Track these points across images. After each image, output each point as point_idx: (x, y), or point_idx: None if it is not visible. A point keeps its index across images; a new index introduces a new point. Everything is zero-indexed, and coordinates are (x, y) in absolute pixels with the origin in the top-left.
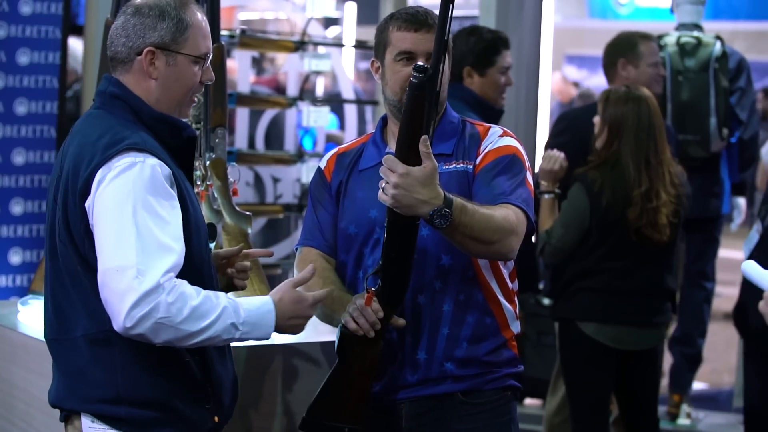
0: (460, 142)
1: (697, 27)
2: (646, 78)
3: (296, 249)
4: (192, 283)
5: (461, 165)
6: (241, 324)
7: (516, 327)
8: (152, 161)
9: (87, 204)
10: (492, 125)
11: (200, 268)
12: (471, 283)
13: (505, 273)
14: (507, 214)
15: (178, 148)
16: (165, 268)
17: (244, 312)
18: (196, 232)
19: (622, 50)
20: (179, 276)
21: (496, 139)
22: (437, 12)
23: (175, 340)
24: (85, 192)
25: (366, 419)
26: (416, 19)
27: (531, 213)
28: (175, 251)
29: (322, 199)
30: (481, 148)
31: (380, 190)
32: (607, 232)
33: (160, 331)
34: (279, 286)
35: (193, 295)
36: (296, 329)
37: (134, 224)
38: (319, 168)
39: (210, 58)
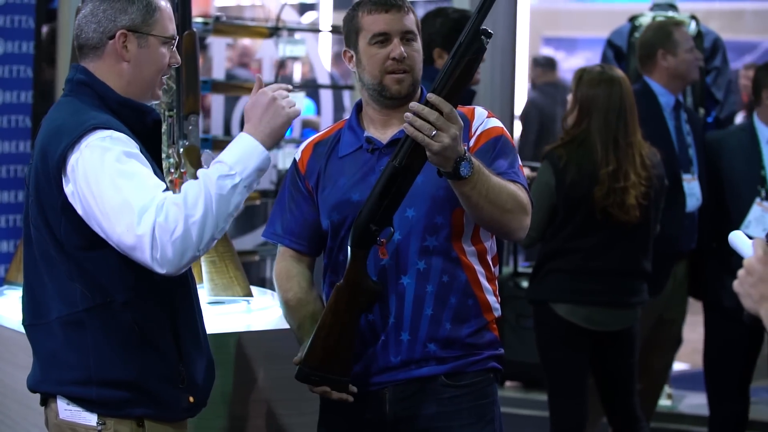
0: None
1: (672, 7)
2: (686, 65)
3: (266, 238)
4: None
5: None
6: (230, 169)
7: (497, 310)
8: (118, 135)
9: (67, 189)
10: (475, 106)
11: None
12: (454, 264)
13: (489, 256)
14: (517, 189)
15: (144, 132)
16: (157, 202)
17: (224, 160)
18: None
19: (659, 40)
20: None
21: (485, 120)
22: None
23: (203, 234)
24: (58, 174)
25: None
26: (385, 1)
27: (531, 196)
28: (160, 189)
29: (297, 195)
30: (472, 129)
31: (407, 125)
32: (573, 209)
33: (182, 247)
34: None
35: (173, 197)
36: (279, 123)
37: (119, 188)
38: (294, 160)
39: (176, 40)
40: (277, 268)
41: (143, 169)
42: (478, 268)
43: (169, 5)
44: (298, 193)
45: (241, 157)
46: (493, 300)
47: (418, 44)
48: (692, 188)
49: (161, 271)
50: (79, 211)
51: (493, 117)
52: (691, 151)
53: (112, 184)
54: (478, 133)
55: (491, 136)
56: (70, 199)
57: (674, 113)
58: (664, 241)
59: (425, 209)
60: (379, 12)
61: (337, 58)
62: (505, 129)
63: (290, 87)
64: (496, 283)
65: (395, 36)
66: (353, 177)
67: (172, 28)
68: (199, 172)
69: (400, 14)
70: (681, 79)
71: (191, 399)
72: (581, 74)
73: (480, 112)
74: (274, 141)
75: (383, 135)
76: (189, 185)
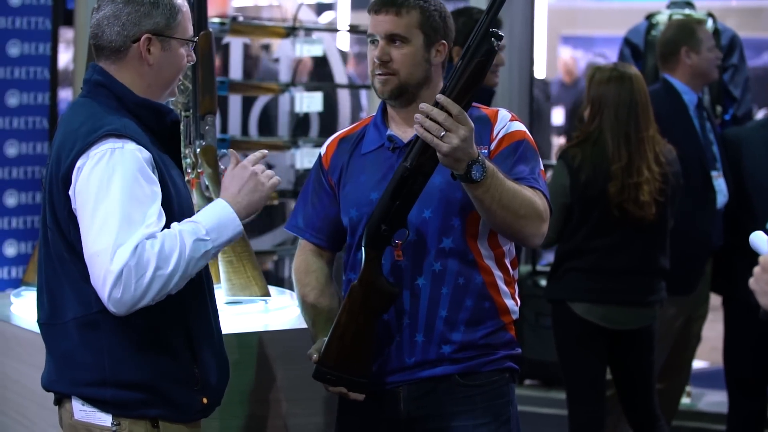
0: None
1: (689, 5)
2: (707, 64)
3: (287, 230)
4: None
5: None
6: (206, 234)
7: (515, 313)
8: (131, 146)
9: (70, 192)
10: (499, 108)
11: None
12: (471, 267)
13: (507, 260)
14: (534, 196)
15: (163, 133)
16: (134, 243)
17: (201, 223)
18: (179, 216)
19: (683, 38)
20: None
21: (508, 123)
22: None
23: (162, 288)
24: (67, 179)
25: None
26: (380, 1)
27: (551, 204)
28: (145, 225)
29: (320, 189)
30: (494, 132)
31: (417, 125)
32: (589, 208)
33: (142, 293)
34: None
35: (150, 244)
36: (257, 198)
37: (111, 210)
38: (319, 154)
39: (196, 40)
40: (296, 262)
41: (142, 194)
42: (496, 271)
43: (187, 6)
44: (321, 188)
45: (217, 225)
46: (511, 303)
47: (411, 47)
48: (720, 185)
49: (111, 309)
50: (74, 208)
51: (516, 120)
52: (714, 148)
53: (106, 203)
54: (500, 136)
55: (513, 140)
56: (71, 202)
57: (698, 111)
58: (698, 240)
59: (441, 211)
60: (371, 13)
61: (354, 58)
62: (528, 133)
63: (266, 153)
64: (516, 286)
65: (380, 38)
66: (374, 175)
67: (191, 28)
68: (175, 227)
69: (389, 15)
70: (702, 78)
71: (205, 400)
72: (593, 73)
73: (503, 114)
74: (249, 214)
75: (405, 134)
76: (166, 236)
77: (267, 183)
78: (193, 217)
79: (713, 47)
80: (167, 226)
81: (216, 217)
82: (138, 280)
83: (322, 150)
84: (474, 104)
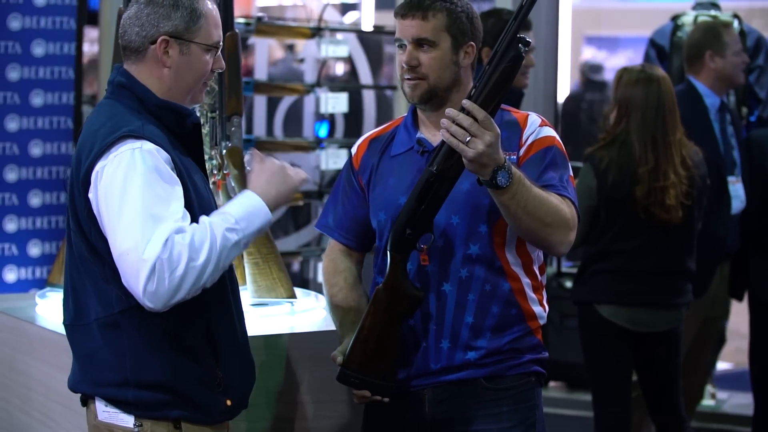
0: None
1: (715, 6)
2: (732, 68)
3: (317, 229)
4: None
5: (503, 155)
6: (235, 223)
7: (542, 318)
8: (149, 146)
9: (90, 195)
10: (529, 112)
11: None
12: (498, 273)
13: (535, 266)
14: (561, 204)
15: (184, 135)
16: (164, 237)
17: (230, 213)
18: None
19: (708, 41)
20: None
21: (537, 128)
22: None
23: (197, 280)
24: (87, 182)
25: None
26: (407, 5)
27: (579, 211)
28: (172, 219)
29: (350, 190)
30: (523, 138)
31: (443, 130)
32: (616, 210)
33: (176, 287)
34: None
35: (181, 237)
36: (285, 189)
37: (135, 207)
38: (349, 153)
39: (221, 47)
40: (325, 262)
41: (163, 192)
42: (524, 278)
43: (216, 10)
44: (351, 188)
45: (246, 214)
46: (539, 310)
47: (439, 51)
48: (737, 190)
49: (148, 304)
50: (95, 210)
51: (546, 125)
52: (735, 153)
53: (129, 202)
54: (529, 142)
55: (542, 146)
56: (92, 205)
57: (719, 115)
58: (711, 243)
59: (469, 217)
60: (399, 17)
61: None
62: (558, 138)
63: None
64: (543, 291)
65: (408, 42)
66: (403, 178)
67: (217, 34)
68: (204, 219)
69: (415, 20)
70: (727, 81)
71: (229, 402)
72: (621, 74)
73: (533, 119)
74: (278, 206)
75: (434, 137)
76: (196, 229)
77: (295, 176)
78: (221, 209)
79: (739, 51)
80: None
81: (244, 206)
82: (171, 273)
83: (353, 149)
84: (504, 107)
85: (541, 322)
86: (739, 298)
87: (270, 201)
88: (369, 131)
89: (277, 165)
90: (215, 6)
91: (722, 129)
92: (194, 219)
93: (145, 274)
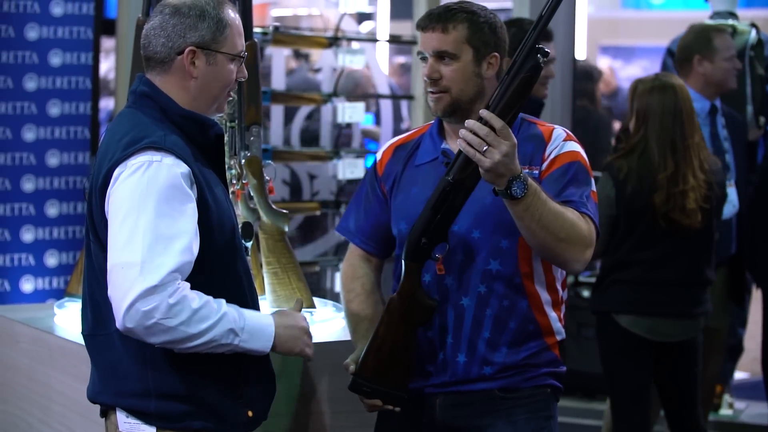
0: (521, 144)
1: (732, 15)
2: (721, 73)
3: (338, 232)
4: (224, 281)
5: (525, 170)
6: (241, 330)
7: (560, 333)
8: (169, 161)
9: (106, 201)
10: (555, 126)
11: (232, 264)
12: (517, 290)
13: (558, 283)
14: (579, 220)
15: (207, 146)
16: (170, 267)
17: (245, 320)
18: (219, 229)
19: (697, 46)
20: (206, 273)
21: (561, 143)
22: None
23: (172, 341)
24: (104, 189)
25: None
26: (427, 18)
27: (599, 227)
28: (183, 252)
29: (372, 196)
30: (546, 152)
31: (460, 140)
32: (635, 219)
33: (158, 331)
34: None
35: (195, 298)
36: (293, 345)
37: (143, 223)
38: (374, 159)
39: (245, 56)
40: (344, 266)
41: (174, 210)
42: (543, 295)
43: (239, 20)
44: (374, 195)
45: (254, 332)
46: (557, 326)
47: (460, 63)
48: (730, 194)
49: (123, 323)
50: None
51: (571, 140)
52: (728, 157)
53: (137, 215)
54: (552, 156)
55: (565, 161)
56: (105, 209)
57: (709, 118)
58: None
59: (491, 232)
60: (420, 30)
61: (394, 68)
62: (583, 154)
63: None
64: (563, 307)
65: (429, 55)
66: (425, 188)
67: (241, 43)
68: (222, 304)
69: (436, 33)
70: (716, 86)
71: (250, 413)
72: (636, 85)
73: (557, 133)
74: (280, 348)
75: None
76: (211, 303)
77: (307, 343)
78: (243, 310)
79: (732, 57)
80: (207, 240)
81: (259, 326)
82: (163, 318)
83: (378, 155)
84: (532, 119)
85: (559, 337)
86: (739, 302)
87: (277, 341)
88: (393, 138)
89: (305, 326)
90: (238, 15)
91: (713, 133)
92: (211, 231)
93: (136, 293)
